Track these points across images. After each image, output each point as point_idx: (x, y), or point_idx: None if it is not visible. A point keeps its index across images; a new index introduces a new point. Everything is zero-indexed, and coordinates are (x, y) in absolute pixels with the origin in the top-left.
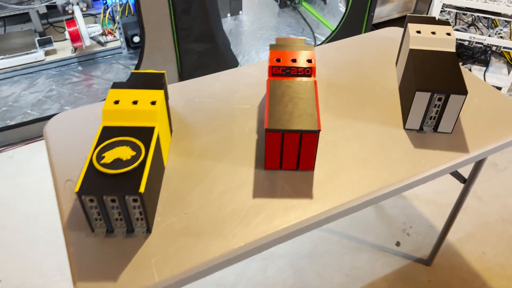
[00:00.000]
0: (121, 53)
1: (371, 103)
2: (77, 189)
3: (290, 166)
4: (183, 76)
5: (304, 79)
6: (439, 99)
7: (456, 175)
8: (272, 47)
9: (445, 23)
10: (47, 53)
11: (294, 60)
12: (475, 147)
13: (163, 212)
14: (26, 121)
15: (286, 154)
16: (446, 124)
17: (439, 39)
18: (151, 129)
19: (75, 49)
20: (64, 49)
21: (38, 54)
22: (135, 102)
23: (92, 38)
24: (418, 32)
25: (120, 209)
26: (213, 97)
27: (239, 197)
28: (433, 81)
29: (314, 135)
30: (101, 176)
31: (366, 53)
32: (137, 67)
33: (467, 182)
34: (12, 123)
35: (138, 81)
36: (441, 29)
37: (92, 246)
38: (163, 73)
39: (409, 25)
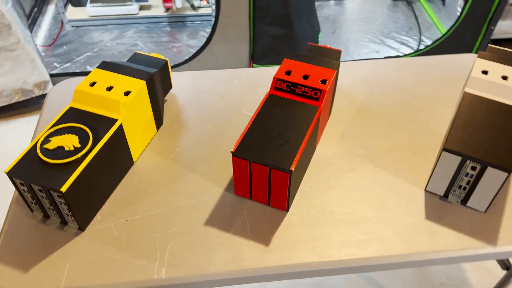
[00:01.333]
0: (210, 21)
1: (402, 146)
2: (8, 169)
3: (261, 199)
4: (254, 57)
5: (309, 103)
6: (473, 168)
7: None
8: (289, 55)
9: None
10: (141, 8)
11: (305, 77)
12: (509, 240)
13: (106, 212)
14: None
15: (256, 185)
16: (479, 199)
17: (509, 89)
18: (113, 122)
19: (167, 8)
20: (158, 6)
21: (132, 8)
22: (109, 88)
23: (186, 0)
24: (485, 72)
25: (49, 200)
26: (222, 94)
27: (189, 219)
28: (471, 143)
29: (285, 174)
30: (37, 162)
31: (427, 80)
32: (208, 41)
33: (510, 270)
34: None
35: (132, 64)
36: None
37: (25, 228)
38: (165, 61)
39: (478, 60)
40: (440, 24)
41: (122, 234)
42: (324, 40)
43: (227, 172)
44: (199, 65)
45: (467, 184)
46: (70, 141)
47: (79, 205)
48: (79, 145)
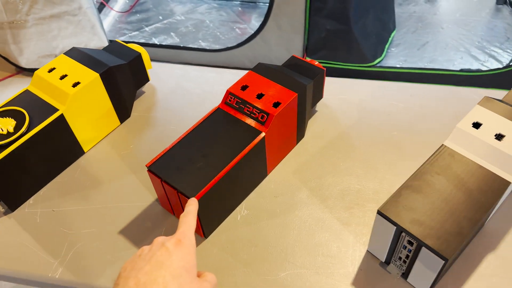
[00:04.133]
0: None
1: (366, 192)
2: None
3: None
4: (308, 50)
5: (255, 126)
6: (410, 243)
7: None
8: (257, 67)
9: None
10: None
11: (260, 96)
12: None
13: (40, 198)
14: (155, 44)
15: (173, 203)
16: (418, 279)
17: (498, 153)
18: (54, 111)
19: None
20: None
21: None
22: (63, 77)
23: None
24: (476, 125)
25: None
26: (202, 96)
27: (108, 223)
28: (416, 212)
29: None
30: None
31: (439, 118)
32: (260, 28)
33: None
34: (155, 41)
35: (102, 53)
36: None
37: None
38: (137, 54)
39: (477, 107)
40: None
41: (43, 223)
42: (399, 40)
43: None
44: (251, 51)
45: (406, 258)
46: (6, 125)
47: (5, 188)
48: (12, 131)
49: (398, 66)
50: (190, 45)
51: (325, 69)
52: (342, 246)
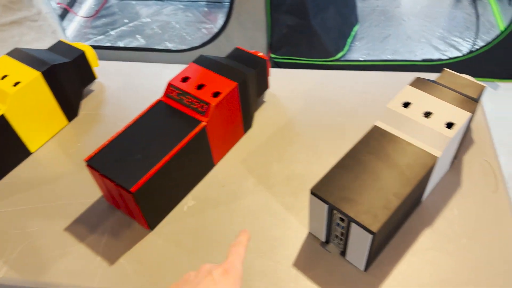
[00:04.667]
0: None
1: (308, 176)
2: None
3: (126, 212)
4: (272, 48)
5: (195, 116)
6: (341, 220)
7: None
8: (198, 59)
9: (469, 103)
10: None
11: (200, 87)
12: None
13: None
14: (120, 47)
15: (115, 197)
16: (355, 255)
17: (426, 130)
18: None
19: None
20: None
21: None
22: (4, 77)
23: None
24: (406, 104)
25: None
26: (153, 91)
27: (54, 220)
28: (346, 190)
29: (128, 194)
30: None
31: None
32: (223, 27)
33: None
34: (121, 44)
35: (45, 53)
36: (447, 112)
37: None
38: (80, 52)
39: (407, 88)
40: (503, 24)
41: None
42: (362, 33)
43: None
44: (216, 50)
45: (342, 235)
46: None
47: None
48: None
49: (361, 59)
50: (156, 47)
51: (267, 58)
52: (285, 230)
